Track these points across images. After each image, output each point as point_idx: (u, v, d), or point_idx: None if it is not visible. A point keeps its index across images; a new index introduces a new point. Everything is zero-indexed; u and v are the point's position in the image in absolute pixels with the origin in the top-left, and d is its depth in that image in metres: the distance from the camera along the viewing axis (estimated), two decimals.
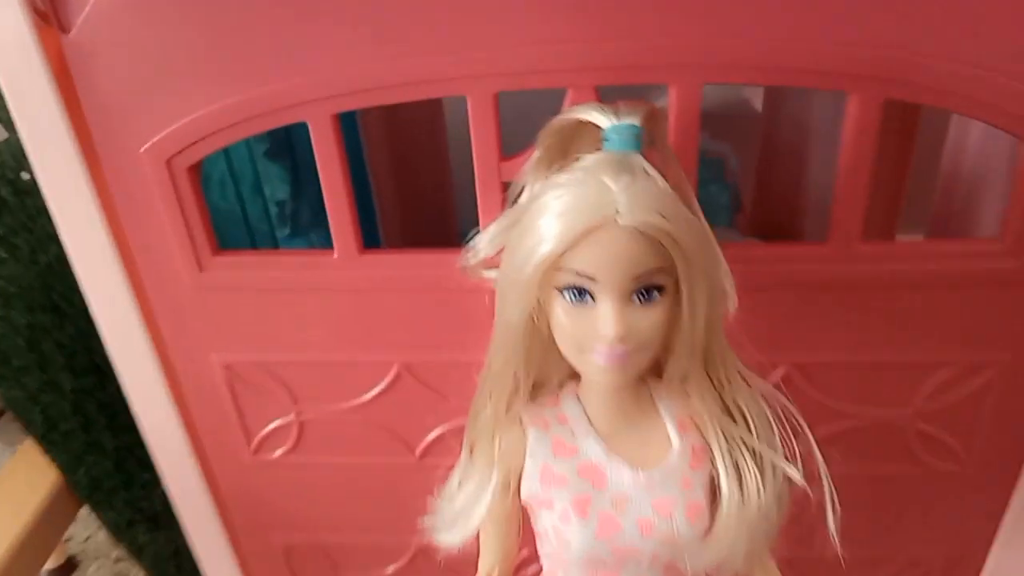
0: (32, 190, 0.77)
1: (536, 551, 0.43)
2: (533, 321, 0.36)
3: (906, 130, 0.55)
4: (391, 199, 0.67)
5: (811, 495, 0.38)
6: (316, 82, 0.42)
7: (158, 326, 0.53)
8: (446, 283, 0.47)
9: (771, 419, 0.38)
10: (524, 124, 0.47)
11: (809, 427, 0.51)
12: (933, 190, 0.59)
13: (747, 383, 0.38)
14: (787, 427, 0.38)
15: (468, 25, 0.40)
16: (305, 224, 0.77)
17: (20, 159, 0.74)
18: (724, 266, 0.38)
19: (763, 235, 0.92)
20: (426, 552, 0.63)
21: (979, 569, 0.58)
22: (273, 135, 0.84)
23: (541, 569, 0.44)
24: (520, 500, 0.40)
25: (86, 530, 1.16)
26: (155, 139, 0.45)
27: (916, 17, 0.38)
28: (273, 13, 0.41)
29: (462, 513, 0.40)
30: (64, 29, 0.43)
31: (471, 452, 0.41)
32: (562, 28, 0.40)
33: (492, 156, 0.44)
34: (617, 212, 0.31)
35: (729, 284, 0.39)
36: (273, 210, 0.79)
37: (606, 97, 0.42)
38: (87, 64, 0.43)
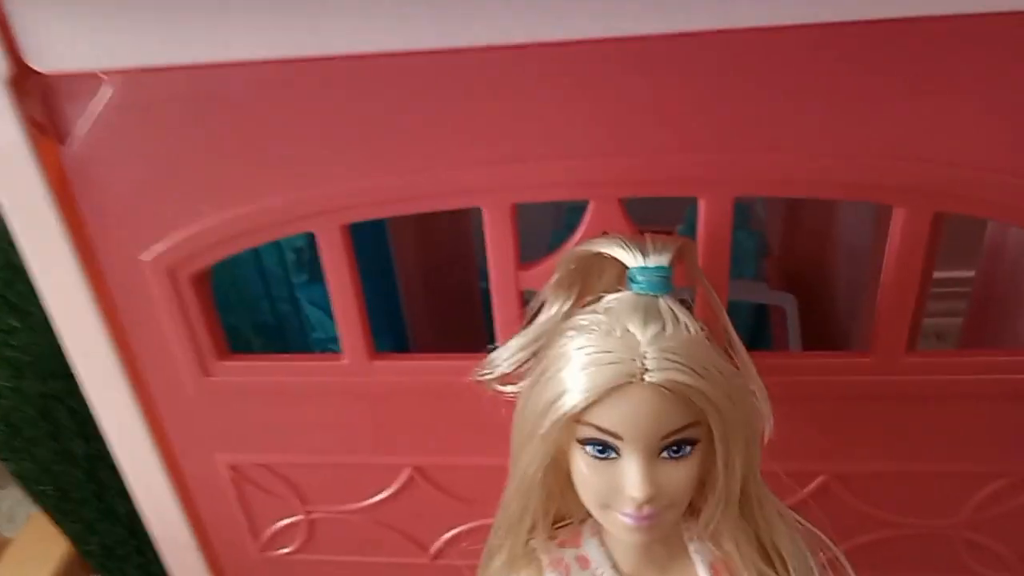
0: None
1: None
2: (554, 461, 0.33)
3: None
4: (420, 301, 0.65)
5: None
6: (325, 195, 0.40)
7: (163, 427, 0.51)
8: (459, 389, 0.45)
9: (812, 564, 0.35)
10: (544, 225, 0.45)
11: (850, 535, 0.48)
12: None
13: (784, 524, 0.35)
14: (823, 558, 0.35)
15: (484, 138, 0.38)
16: (322, 271, 0.75)
17: None
18: (759, 385, 0.36)
19: (791, 283, 0.89)
20: None
21: None
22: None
23: None
24: None
25: None
26: (157, 248, 0.43)
27: (962, 129, 0.35)
28: (280, 125, 0.39)
29: None
30: (62, 140, 0.41)
31: None
32: (585, 141, 0.37)
33: (510, 266, 0.41)
34: (645, 369, 0.29)
35: (764, 405, 0.36)
36: (290, 257, 0.77)
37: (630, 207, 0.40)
38: (86, 174, 0.42)
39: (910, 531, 0.48)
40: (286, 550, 0.56)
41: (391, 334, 0.70)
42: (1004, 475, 0.45)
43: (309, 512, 0.54)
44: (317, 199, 0.40)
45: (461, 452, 0.49)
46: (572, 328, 0.31)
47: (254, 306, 0.74)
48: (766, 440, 0.36)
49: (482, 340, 0.42)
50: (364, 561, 0.55)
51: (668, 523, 0.32)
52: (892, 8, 0.32)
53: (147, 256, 0.43)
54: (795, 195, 0.37)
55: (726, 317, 0.36)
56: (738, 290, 0.70)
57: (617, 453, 0.31)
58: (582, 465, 0.32)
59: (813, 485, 0.47)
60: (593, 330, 0.30)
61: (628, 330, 0.29)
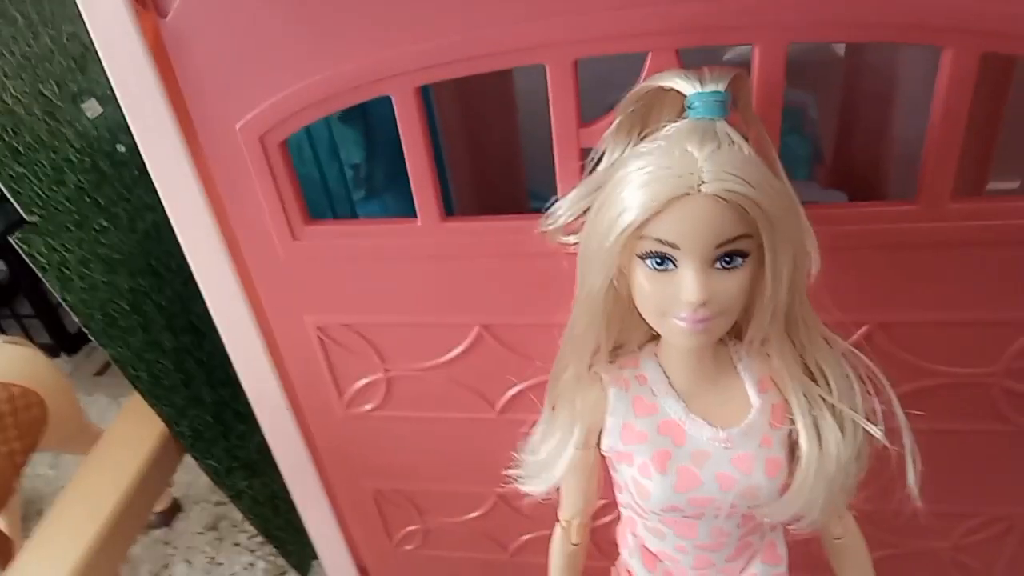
0: (128, 161, 0.82)
1: (614, 499, 0.45)
2: (614, 286, 0.37)
3: (1000, 80, 0.53)
4: (464, 167, 0.68)
5: (891, 452, 0.38)
6: (398, 57, 0.43)
7: (256, 290, 0.56)
8: (524, 248, 0.49)
9: (852, 378, 0.38)
10: (603, 89, 0.48)
11: (892, 384, 0.51)
12: None
13: (828, 344, 0.39)
14: (869, 386, 0.38)
15: None
16: (380, 187, 0.79)
17: (115, 132, 0.79)
18: (808, 228, 0.39)
19: (844, 187, 0.90)
20: (505, 500, 0.66)
21: None
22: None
23: (619, 516, 0.46)
24: (600, 453, 0.42)
25: (187, 476, 1.25)
26: (249, 116, 0.47)
27: None
28: None
29: (546, 465, 0.42)
30: (162, 14, 0.45)
31: (553, 409, 0.43)
32: None
33: (571, 123, 0.44)
34: (701, 181, 0.32)
35: (812, 246, 0.39)
36: (349, 173, 0.82)
37: (686, 58, 0.42)
38: (183, 46, 0.46)
39: (951, 380, 0.51)
40: (367, 407, 0.62)
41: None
42: None
43: (387, 370, 0.59)
44: (390, 63, 0.44)
45: (525, 311, 0.53)
46: (632, 156, 0.35)
47: None
48: (811, 280, 0.39)
49: (524, 203, 0.44)
50: (437, 416, 0.61)
51: (719, 330, 0.36)
52: None
53: (240, 124, 0.48)
54: (844, 40, 0.39)
55: (774, 152, 0.38)
56: None
57: (674, 264, 0.34)
58: (642, 279, 0.35)
59: (859, 334, 0.50)
60: (652, 153, 0.33)
61: (686, 149, 0.32)
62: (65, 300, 0.76)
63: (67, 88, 0.80)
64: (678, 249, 0.33)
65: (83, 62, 0.77)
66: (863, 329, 0.49)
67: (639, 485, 0.40)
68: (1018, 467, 0.54)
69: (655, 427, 0.39)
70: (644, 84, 0.37)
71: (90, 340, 1.65)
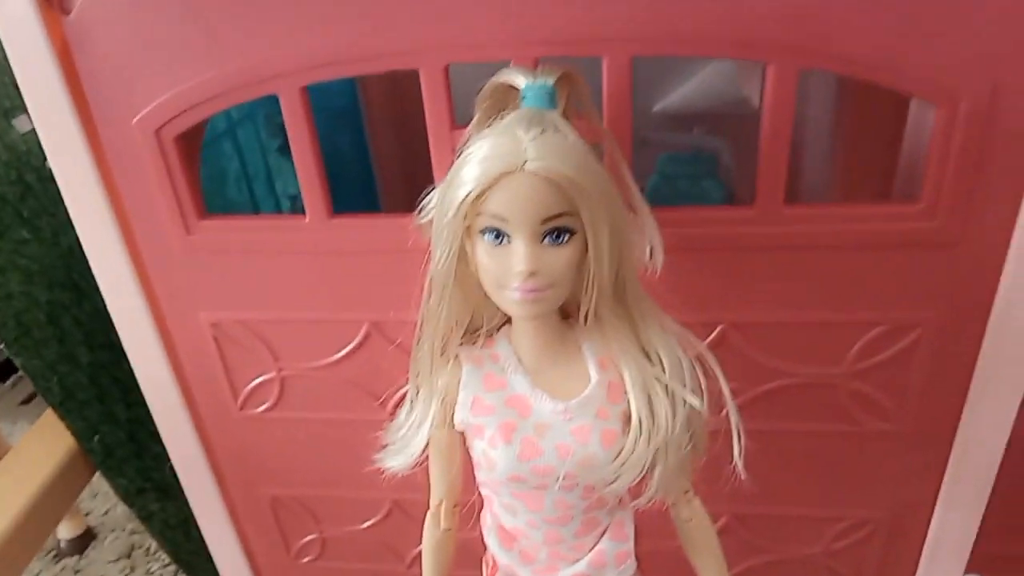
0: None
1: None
2: (465, 266, 0.40)
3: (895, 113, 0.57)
4: (392, 165, 0.71)
5: (720, 429, 0.41)
6: (284, 57, 0.47)
7: (152, 285, 0.58)
8: (409, 245, 0.51)
9: (682, 358, 0.41)
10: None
11: (748, 384, 0.54)
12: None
13: (663, 328, 0.42)
14: (699, 367, 0.42)
15: (420, 2, 0.45)
16: None
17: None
18: (652, 225, 0.42)
19: None
20: (400, 507, 0.67)
21: (925, 529, 0.60)
22: (284, 132, 0.89)
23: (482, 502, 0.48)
24: (457, 431, 0.44)
25: (105, 504, 1.23)
26: (145, 111, 0.50)
27: None
28: None
29: (405, 440, 0.44)
30: (65, 11, 0.48)
31: (416, 384, 0.45)
32: (507, 4, 0.44)
33: (444, 125, 0.48)
34: (525, 160, 0.35)
35: (657, 243, 0.43)
36: (285, 204, 0.84)
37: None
38: (85, 42, 0.49)
39: (800, 380, 0.54)
40: (262, 408, 0.63)
41: (363, 192, 0.75)
42: (879, 323, 0.51)
43: (281, 369, 0.61)
44: (277, 62, 0.47)
45: (413, 307, 0.55)
46: (473, 139, 0.38)
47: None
48: (658, 272, 0.43)
49: None
50: (330, 417, 0.62)
51: (551, 302, 0.39)
52: None
53: (136, 118, 0.50)
54: (681, 54, 0.44)
55: (622, 159, 0.43)
56: None
57: (508, 240, 0.37)
58: (482, 254, 0.38)
59: (714, 334, 0.53)
60: (487, 136, 0.37)
61: (515, 133, 0.36)
62: None
63: (0, 103, 0.82)
64: (508, 223, 0.37)
65: None
66: (718, 329, 0.53)
67: (487, 457, 0.42)
68: (871, 469, 0.58)
69: (503, 401, 0.42)
70: (491, 81, 0.41)
71: (17, 370, 1.62)
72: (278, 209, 0.85)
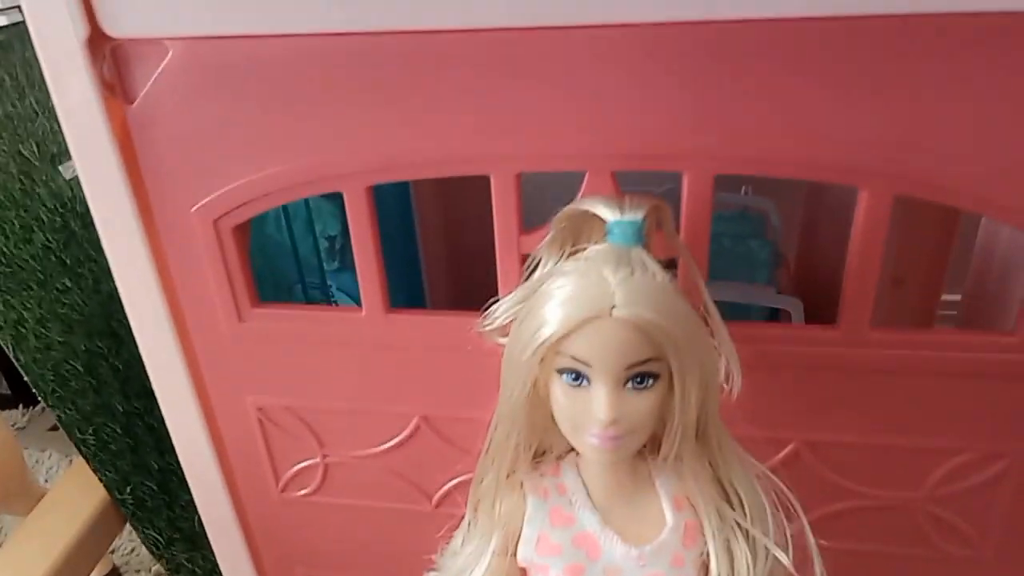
0: None
1: None
2: (537, 394, 0.38)
3: (946, 222, 0.56)
4: (440, 262, 0.70)
5: None
6: (352, 158, 0.46)
7: (199, 368, 0.57)
8: (466, 344, 0.50)
9: (765, 503, 0.39)
10: (545, 198, 0.50)
11: (820, 503, 0.51)
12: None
13: (743, 466, 0.39)
14: (781, 511, 0.39)
15: (495, 111, 0.43)
16: (352, 259, 0.81)
17: None
18: (729, 348, 0.40)
19: (804, 293, 0.92)
20: None
21: None
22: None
23: None
24: (517, 563, 0.42)
25: (131, 543, 1.22)
26: (204, 201, 0.49)
27: (925, 117, 0.39)
28: (315, 93, 0.45)
29: (464, 569, 0.42)
30: (129, 100, 0.47)
31: (475, 512, 0.43)
32: (583, 116, 0.42)
33: (512, 230, 0.46)
34: (613, 305, 0.33)
35: (735, 366, 0.41)
36: (323, 244, 0.83)
37: (624, 180, 0.44)
38: (147, 132, 0.48)
39: (875, 502, 0.51)
40: (303, 492, 0.61)
41: (408, 293, 0.74)
42: (964, 451, 0.48)
43: (325, 456, 0.59)
44: (345, 161, 0.46)
45: (465, 405, 0.53)
46: (556, 272, 0.36)
47: (288, 292, 0.80)
48: (734, 396, 0.40)
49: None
50: (373, 506, 0.60)
51: (630, 448, 0.36)
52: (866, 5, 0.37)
53: (195, 207, 0.49)
54: (767, 175, 0.42)
55: (700, 279, 0.40)
56: (746, 293, 0.74)
57: (588, 381, 0.35)
58: (559, 393, 0.36)
59: (785, 452, 0.50)
60: (571, 273, 0.35)
61: (602, 274, 0.34)
62: (17, 359, 0.75)
63: (46, 148, 0.82)
64: (591, 367, 0.35)
65: None
66: (790, 447, 0.50)
67: None
68: None
69: (570, 540, 0.39)
70: (571, 206, 0.39)
71: None
72: (316, 249, 0.84)
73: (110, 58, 0.45)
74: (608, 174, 0.43)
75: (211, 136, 0.47)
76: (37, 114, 0.83)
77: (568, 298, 0.34)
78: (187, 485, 0.69)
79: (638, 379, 0.35)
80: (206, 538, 0.72)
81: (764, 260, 0.95)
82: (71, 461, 1.16)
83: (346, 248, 0.79)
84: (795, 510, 0.39)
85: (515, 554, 0.42)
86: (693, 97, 0.41)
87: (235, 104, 0.46)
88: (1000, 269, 0.57)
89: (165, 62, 0.45)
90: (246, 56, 0.44)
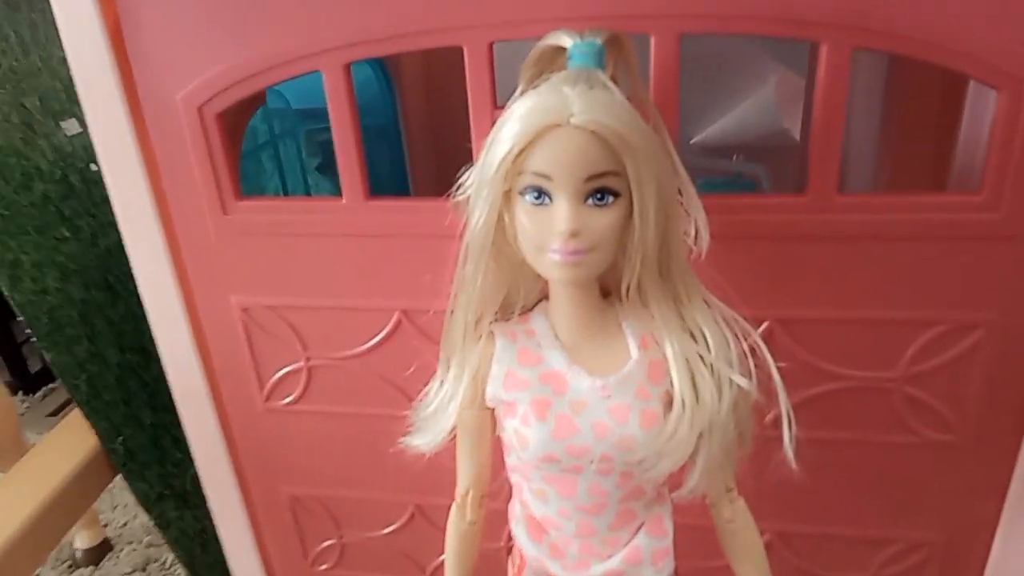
0: (99, 180, 0.86)
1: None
2: (503, 235, 0.38)
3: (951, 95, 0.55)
4: (425, 151, 0.71)
5: (767, 411, 0.38)
6: (327, 35, 0.47)
7: (185, 265, 0.58)
8: (446, 230, 0.50)
9: (728, 336, 0.39)
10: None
11: (796, 387, 0.52)
12: None
13: (708, 306, 0.40)
14: (744, 345, 0.39)
15: None
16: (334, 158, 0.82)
17: (90, 152, 0.83)
18: (696, 204, 0.41)
19: None
20: (422, 512, 0.64)
21: (985, 554, 0.56)
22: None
23: (511, 492, 0.45)
24: (488, 412, 0.42)
25: (124, 516, 1.22)
26: (190, 86, 0.50)
27: None
28: None
29: (433, 416, 0.42)
30: None
31: (446, 366, 0.43)
32: None
33: (487, 102, 0.47)
34: (571, 113, 0.34)
35: (702, 223, 0.41)
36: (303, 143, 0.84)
37: None
38: (133, 18, 0.50)
39: (851, 383, 0.51)
40: (287, 400, 0.61)
41: (395, 184, 0.74)
42: (938, 322, 0.49)
43: (309, 359, 0.59)
44: (321, 39, 0.47)
45: (445, 297, 0.54)
46: (516, 99, 0.37)
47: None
48: (703, 256, 0.41)
49: None
50: (356, 412, 0.61)
51: (592, 267, 0.37)
52: None
53: (180, 94, 0.51)
54: (729, 32, 0.43)
55: (667, 135, 0.41)
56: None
57: (550, 199, 0.36)
58: (522, 215, 0.37)
59: (760, 331, 0.50)
60: (532, 94, 0.36)
61: (561, 89, 0.35)
62: (12, 299, 0.76)
63: (49, 105, 0.84)
64: (551, 180, 0.35)
65: (71, 87, 0.83)
66: (764, 325, 0.50)
67: (519, 436, 0.40)
68: (927, 485, 0.54)
69: (537, 376, 0.40)
70: (537, 45, 0.40)
71: (48, 382, 1.64)
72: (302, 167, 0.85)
73: None
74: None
75: (193, 21, 0.49)
76: (40, 71, 0.85)
77: (527, 111, 0.35)
78: (180, 444, 0.69)
79: (598, 195, 0.36)
80: (198, 497, 0.72)
81: None
82: None
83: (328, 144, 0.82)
84: (759, 345, 0.40)
85: (483, 406, 0.42)
86: None
87: None
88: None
89: None
90: None
